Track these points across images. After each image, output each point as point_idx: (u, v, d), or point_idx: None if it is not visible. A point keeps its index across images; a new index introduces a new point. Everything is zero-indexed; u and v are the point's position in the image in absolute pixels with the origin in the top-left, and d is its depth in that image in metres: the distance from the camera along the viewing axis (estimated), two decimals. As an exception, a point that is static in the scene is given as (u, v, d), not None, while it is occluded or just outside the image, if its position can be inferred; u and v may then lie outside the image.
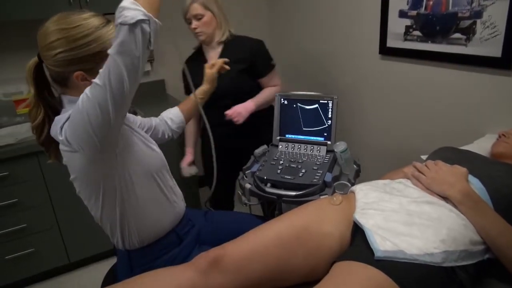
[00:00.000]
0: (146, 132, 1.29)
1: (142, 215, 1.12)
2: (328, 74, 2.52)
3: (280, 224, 1.13)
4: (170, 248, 1.19)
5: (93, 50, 0.96)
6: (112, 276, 1.29)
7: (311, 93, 1.62)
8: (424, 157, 1.48)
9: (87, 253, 2.18)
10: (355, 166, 1.56)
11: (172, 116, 1.41)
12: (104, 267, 1.38)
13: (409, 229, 1.01)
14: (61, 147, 1.02)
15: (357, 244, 1.04)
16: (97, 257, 2.23)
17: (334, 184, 1.43)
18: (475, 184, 1.11)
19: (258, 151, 1.68)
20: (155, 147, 1.19)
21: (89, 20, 0.98)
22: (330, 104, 1.59)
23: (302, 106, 1.64)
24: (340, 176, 1.52)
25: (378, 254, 0.95)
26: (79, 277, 2.16)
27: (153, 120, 1.36)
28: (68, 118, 0.96)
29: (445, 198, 1.09)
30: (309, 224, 1.11)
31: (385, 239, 0.98)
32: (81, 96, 0.90)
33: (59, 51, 0.95)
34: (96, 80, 0.87)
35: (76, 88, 1.01)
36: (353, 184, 1.48)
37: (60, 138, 0.98)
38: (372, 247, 0.97)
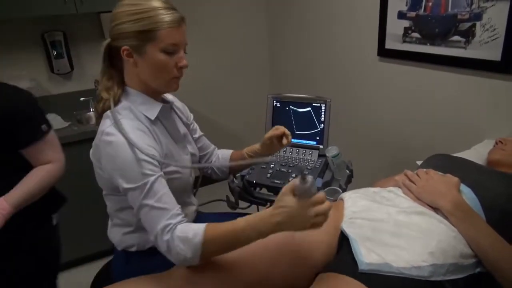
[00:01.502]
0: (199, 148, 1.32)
1: None
2: (325, 76, 2.48)
3: None
4: None
5: (143, 27, 0.96)
6: (106, 273, 1.25)
7: (304, 96, 1.57)
8: (419, 162, 1.43)
9: (80, 253, 2.15)
10: (347, 171, 1.51)
11: (223, 154, 1.39)
12: (97, 267, 1.36)
13: (397, 240, 0.97)
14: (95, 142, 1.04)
15: (342, 254, 1.00)
16: (91, 257, 2.20)
17: (324, 189, 1.38)
18: (467, 193, 1.06)
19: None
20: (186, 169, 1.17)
21: (153, 0, 0.99)
22: (323, 107, 1.55)
23: (295, 108, 1.60)
24: (332, 182, 1.48)
25: (362, 266, 0.90)
26: (72, 277, 2.14)
27: (212, 148, 1.38)
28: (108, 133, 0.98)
29: (435, 209, 1.05)
30: (297, 233, 1.06)
31: (370, 251, 0.94)
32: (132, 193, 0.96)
33: (118, 22, 0.98)
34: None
35: (125, 67, 1.05)
36: (344, 190, 1.43)
37: (97, 142, 1.01)
38: (356, 258, 0.93)
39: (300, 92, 1.70)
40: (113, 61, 1.07)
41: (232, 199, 1.49)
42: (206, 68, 2.81)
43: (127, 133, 0.97)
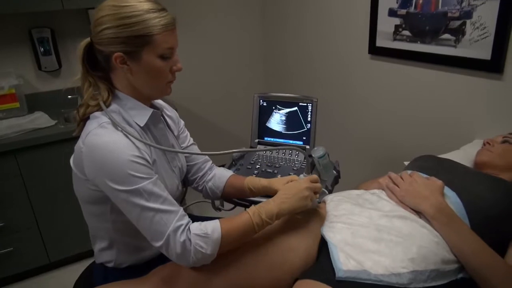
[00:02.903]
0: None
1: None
2: (316, 74, 2.45)
3: None
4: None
5: (137, 33, 0.91)
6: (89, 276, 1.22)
7: (290, 95, 1.54)
8: (407, 163, 1.40)
9: (67, 253, 2.13)
10: (334, 172, 1.48)
11: (220, 174, 1.30)
12: (85, 267, 1.33)
13: (377, 245, 0.94)
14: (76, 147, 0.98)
15: (321, 260, 0.97)
16: (78, 257, 2.18)
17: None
18: (452, 197, 1.04)
19: (236, 153, 1.60)
20: (173, 179, 1.12)
21: (142, 2, 0.93)
22: (310, 107, 1.51)
23: (282, 108, 1.57)
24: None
25: (339, 274, 0.88)
26: (60, 277, 2.12)
27: (204, 160, 1.31)
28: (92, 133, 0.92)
29: (418, 213, 1.02)
30: (273, 235, 1.04)
31: (349, 257, 0.91)
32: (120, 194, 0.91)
33: (104, 27, 0.91)
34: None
35: (115, 73, 0.98)
36: (330, 191, 1.41)
37: (81, 145, 0.95)
38: (334, 265, 0.90)
39: (291, 91, 1.67)
40: (95, 64, 1.00)
41: (217, 201, 1.46)
42: (200, 68, 2.78)
43: (122, 131, 0.92)
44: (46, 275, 2.14)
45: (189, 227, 0.94)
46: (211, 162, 1.33)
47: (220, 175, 1.30)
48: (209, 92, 2.87)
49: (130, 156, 0.90)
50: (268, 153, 1.58)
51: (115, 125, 0.94)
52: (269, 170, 1.47)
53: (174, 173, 1.13)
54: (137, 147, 0.93)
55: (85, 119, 1.00)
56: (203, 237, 0.92)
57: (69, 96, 2.22)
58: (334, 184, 1.48)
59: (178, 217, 0.93)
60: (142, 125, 1.01)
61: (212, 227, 0.94)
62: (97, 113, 0.97)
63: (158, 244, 0.92)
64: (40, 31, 2.18)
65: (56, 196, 1.98)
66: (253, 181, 1.22)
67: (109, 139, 0.91)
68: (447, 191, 1.05)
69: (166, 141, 1.12)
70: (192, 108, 2.84)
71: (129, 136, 0.93)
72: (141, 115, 1.01)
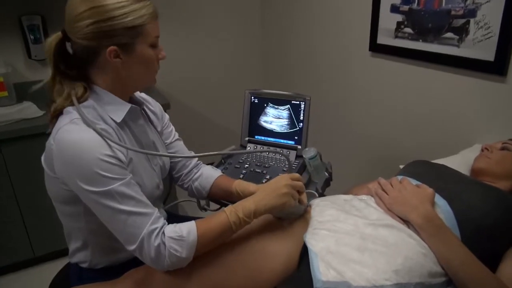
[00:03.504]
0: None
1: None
2: (313, 71, 2.42)
3: None
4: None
5: (130, 23, 0.89)
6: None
7: (282, 93, 1.51)
8: (402, 167, 1.37)
9: (53, 247, 2.12)
10: (326, 174, 1.46)
11: (208, 174, 1.28)
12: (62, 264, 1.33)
13: (361, 255, 0.92)
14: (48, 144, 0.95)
15: (301, 269, 0.95)
16: (64, 252, 2.16)
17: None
18: (442, 206, 1.01)
19: (225, 151, 1.58)
20: (153, 178, 1.09)
21: None
22: (303, 106, 1.48)
23: (273, 106, 1.54)
24: (308, 184, 1.42)
25: (318, 285, 0.86)
26: (45, 272, 2.10)
27: (192, 160, 1.29)
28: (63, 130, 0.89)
29: (406, 222, 0.99)
30: (254, 239, 1.02)
31: (329, 267, 0.89)
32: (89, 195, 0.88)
33: (91, 22, 0.87)
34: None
35: (102, 68, 0.94)
36: (321, 194, 1.38)
37: (51, 142, 0.92)
38: (313, 275, 0.88)
39: (288, 88, 1.64)
40: (68, 59, 0.96)
41: (203, 200, 1.44)
42: (196, 62, 2.76)
43: (93, 128, 0.89)
44: (31, 269, 2.14)
45: (163, 230, 0.92)
46: (196, 159, 1.30)
47: (207, 175, 1.28)
48: (204, 86, 2.85)
49: (101, 155, 0.87)
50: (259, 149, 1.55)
51: (91, 121, 0.91)
52: (258, 170, 1.45)
53: (155, 171, 1.11)
54: (109, 145, 0.90)
55: (57, 114, 0.96)
56: (178, 240, 0.91)
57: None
58: (325, 186, 1.45)
59: (152, 220, 0.91)
60: (118, 121, 0.98)
61: (188, 229, 0.92)
62: (70, 108, 0.94)
63: (132, 247, 0.90)
64: (30, 18, 2.16)
65: (42, 189, 1.92)
66: (242, 185, 1.19)
67: (79, 136, 0.88)
68: (438, 199, 1.02)
69: (146, 138, 1.10)
70: (186, 101, 2.82)
71: (101, 134, 0.90)
72: (118, 110, 0.99)
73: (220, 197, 1.29)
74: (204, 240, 0.93)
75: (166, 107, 2.08)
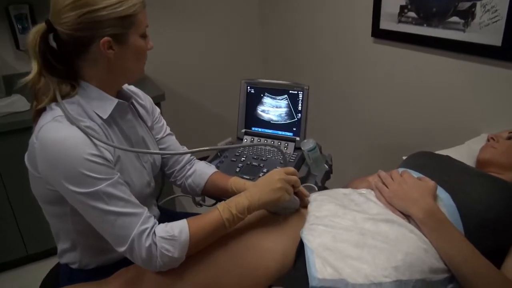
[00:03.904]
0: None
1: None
2: (312, 58, 2.40)
3: None
4: None
5: (124, 13, 0.88)
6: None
7: (279, 82, 1.50)
8: (405, 158, 1.36)
9: (46, 245, 2.13)
10: (326, 166, 1.45)
11: (201, 171, 1.27)
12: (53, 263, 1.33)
13: (360, 251, 0.91)
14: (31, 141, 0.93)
15: (297, 266, 0.95)
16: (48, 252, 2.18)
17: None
18: (445, 200, 1.00)
19: (221, 144, 1.57)
20: (143, 176, 1.09)
21: None
22: (301, 95, 1.47)
23: (270, 96, 1.53)
24: (308, 178, 1.42)
25: (313, 283, 0.86)
26: (38, 270, 2.11)
27: (184, 155, 1.28)
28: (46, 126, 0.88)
29: (408, 216, 0.99)
30: (248, 235, 1.01)
31: (326, 264, 0.89)
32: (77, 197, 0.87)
33: (82, 12, 0.86)
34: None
35: (93, 60, 0.93)
36: (320, 188, 1.38)
37: (34, 140, 0.91)
38: (309, 273, 0.88)
39: (286, 77, 1.62)
40: (54, 53, 0.93)
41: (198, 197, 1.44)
42: (192, 51, 2.74)
43: (77, 126, 0.87)
44: (24, 268, 2.15)
45: (154, 230, 0.91)
46: (189, 154, 1.30)
47: (201, 172, 1.27)
48: (199, 76, 2.84)
49: (86, 154, 0.86)
50: (253, 143, 1.55)
51: (75, 119, 0.89)
52: (255, 163, 1.44)
53: (145, 169, 1.10)
54: (95, 144, 0.89)
55: (41, 111, 0.94)
56: (170, 240, 0.90)
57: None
58: (325, 179, 1.45)
59: (142, 220, 0.91)
60: (105, 117, 0.97)
61: (179, 229, 0.92)
62: (53, 105, 0.92)
63: (122, 249, 0.90)
64: (18, 7, 2.15)
65: (28, 186, 1.97)
66: (238, 183, 1.18)
67: (63, 134, 0.87)
68: (440, 192, 1.01)
69: (135, 134, 1.09)
70: (181, 92, 2.81)
71: (86, 131, 0.89)
72: (104, 106, 0.97)
73: (215, 195, 1.28)
74: (197, 238, 0.93)
75: (160, 98, 2.08)
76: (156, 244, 0.90)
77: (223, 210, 0.96)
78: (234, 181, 1.19)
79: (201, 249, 0.97)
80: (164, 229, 0.92)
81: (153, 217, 0.94)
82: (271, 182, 0.99)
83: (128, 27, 0.90)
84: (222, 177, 1.24)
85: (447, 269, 0.92)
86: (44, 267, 2.00)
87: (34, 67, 0.91)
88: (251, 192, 1.00)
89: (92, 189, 0.86)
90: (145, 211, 0.93)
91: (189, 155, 1.29)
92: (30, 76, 0.91)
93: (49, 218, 1.07)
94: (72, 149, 0.86)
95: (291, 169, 1.06)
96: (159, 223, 0.94)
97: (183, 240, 0.91)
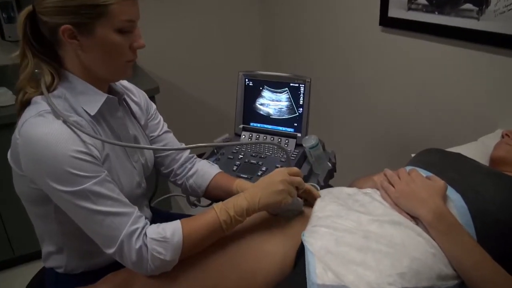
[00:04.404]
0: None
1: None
2: (315, 49, 2.38)
3: None
4: None
5: (89, 1, 0.85)
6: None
7: (279, 74, 1.49)
8: (413, 156, 1.35)
9: (35, 247, 2.11)
10: (329, 164, 1.44)
11: (204, 171, 1.26)
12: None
13: (363, 256, 0.90)
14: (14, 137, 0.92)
15: (297, 271, 0.94)
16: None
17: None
18: (456, 200, 0.99)
19: (218, 140, 1.56)
20: (132, 176, 1.07)
21: None
22: (302, 88, 1.46)
23: (270, 89, 1.52)
24: (310, 176, 1.41)
25: (313, 289, 0.84)
26: (26, 272, 2.11)
27: (182, 153, 1.27)
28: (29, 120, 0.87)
29: (415, 218, 0.97)
30: (246, 239, 1.01)
31: (327, 269, 0.88)
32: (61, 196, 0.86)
33: None
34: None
35: (65, 50, 0.92)
36: (322, 187, 1.36)
37: (17, 136, 0.89)
38: (307, 278, 0.87)
39: (288, 69, 1.60)
40: (39, 38, 0.93)
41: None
42: (188, 42, 2.73)
43: (65, 120, 0.87)
44: (11, 270, 2.16)
45: (145, 231, 0.91)
46: (188, 151, 1.29)
47: (204, 172, 1.26)
48: (196, 68, 2.83)
49: (72, 151, 0.85)
50: (254, 140, 1.54)
51: (56, 113, 0.88)
52: (253, 161, 1.43)
53: (135, 169, 1.09)
54: (82, 140, 0.88)
55: (25, 104, 0.94)
56: (161, 241, 0.89)
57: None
58: (328, 178, 1.44)
59: (132, 220, 0.90)
60: (92, 113, 0.96)
61: (172, 230, 0.91)
62: (38, 98, 0.92)
63: (111, 251, 0.89)
64: (3, -5, 2.14)
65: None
66: (244, 186, 1.17)
67: (47, 130, 0.85)
68: (451, 193, 1.00)
69: (125, 133, 1.07)
70: (176, 85, 2.80)
71: (73, 127, 0.88)
72: (92, 101, 0.96)
73: (218, 197, 1.25)
74: (191, 241, 0.92)
75: (155, 91, 2.07)
76: (147, 246, 0.89)
77: (220, 211, 0.95)
78: (240, 184, 1.18)
79: (199, 254, 0.96)
80: (156, 230, 0.91)
81: (144, 217, 0.94)
82: (272, 184, 0.98)
83: (94, 18, 0.87)
84: (227, 178, 1.23)
85: (456, 276, 0.90)
86: (32, 270, 2.00)
87: (20, 47, 0.92)
88: (251, 193, 0.98)
89: (78, 188, 0.85)
90: (135, 210, 0.92)
91: (187, 153, 1.28)
92: (14, 54, 0.93)
93: (33, 219, 1.06)
94: (56, 145, 0.84)
95: (295, 169, 1.04)
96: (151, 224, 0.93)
97: (175, 242, 0.90)
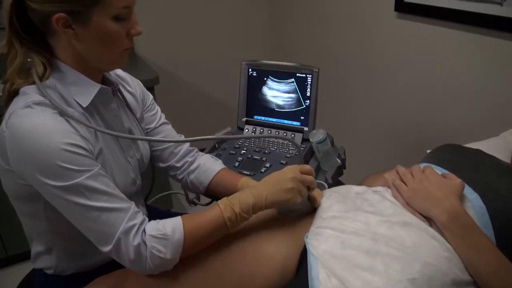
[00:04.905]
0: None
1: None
2: (326, 38, 2.36)
3: None
4: None
5: None
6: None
7: (284, 64, 1.48)
8: (429, 152, 1.33)
9: (28, 246, 2.14)
10: (338, 161, 1.42)
11: (206, 166, 1.25)
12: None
13: (371, 260, 0.89)
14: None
15: (299, 276, 0.92)
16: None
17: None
18: (474, 201, 0.96)
19: (219, 134, 1.55)
20: (127, 173, 1.07)
21: None
22: (309, 79, 1.44)
23: (275, 80, 1.50)
24: (317, 174, 1.40)
25: (314, 296, 0.83)
26: (19, 272, 2.13)
27: (181, 146, 1.26)
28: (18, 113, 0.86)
29: (429, 219, 0.95)
30: (245, 241, 0.99)
31: (331, 275, 0.86)
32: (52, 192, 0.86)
33: None
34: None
35: (57, 38, 0.91)
36: (331, 185, 1.35)
37: (3, 128, 0.89)
38: (310, 284, 0.85)
39: (296, 59, 1.58)
40: (29, 26, 0.92)
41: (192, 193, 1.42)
42: (189, 30, 2.73)
43: (62, 109, 0.87)
44: (4, 270, 2.18)
45: (144, 228, 0.90)
46: (188, 145, 1.28)
47: (206, 168, 1.25)
48: (197, 57, 2.83)
49: (63, 144, 0.85)
50: (258, 135, 1.53)
51: (47, 105, 0.88)
52: (257, 157, 1.42)
53: (130, 165, 1.09)
54: (73, 132, 0.88)
55: (13, 95, 0.93)
56: (161, 239, 0.89)
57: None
58: (337, 175, 1.43)
59: (129, 216, 0.89)
60: (85, 105, 0.96)
61: (172, 227, 0.91)
62: (27, 88, 0.91)
63: (107, 248, 0.89)
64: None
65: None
66: (251, 184, 1.16)
67: (36, 121, 0.85)
68: (468, 192, 0.97)
69: (119, 125, 1.07)
70: (176, 75, 2.81)
71: (66, 117, 0.88)
72: (85, 92, 0.96)
73: (220, 196, 1.22)
74: (192, 239, 0.92)
75: (154, 81, 2.06)
76: (145, 243, 0.89)
77: (224, 207, 0.94)
78: (246, 182, 1.17)
79: (195, 257, 0.95)
80: (155, 227, 0.90)
81: (141, 212, 0.93)
82: (282, 181, 0.97)
83: (89, 5, 0.86)
84: (232, 175, 1.22)
85: (472, 281, 0.89)
86: (26, 270, 2.03)
87: (6, 36, 0.91)
88: (257, 189, 0.97)
89: (70, 182, 0.85)
90: (132, 205, 0.92)
91: (187, 146, 1.28)
92: (0, 44, 0.92)
93: (21, 217, 1.06)
94: (46, 137, 0.84)
95: (307, 167, 1.03)
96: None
97: (176, 240, 0.90)
